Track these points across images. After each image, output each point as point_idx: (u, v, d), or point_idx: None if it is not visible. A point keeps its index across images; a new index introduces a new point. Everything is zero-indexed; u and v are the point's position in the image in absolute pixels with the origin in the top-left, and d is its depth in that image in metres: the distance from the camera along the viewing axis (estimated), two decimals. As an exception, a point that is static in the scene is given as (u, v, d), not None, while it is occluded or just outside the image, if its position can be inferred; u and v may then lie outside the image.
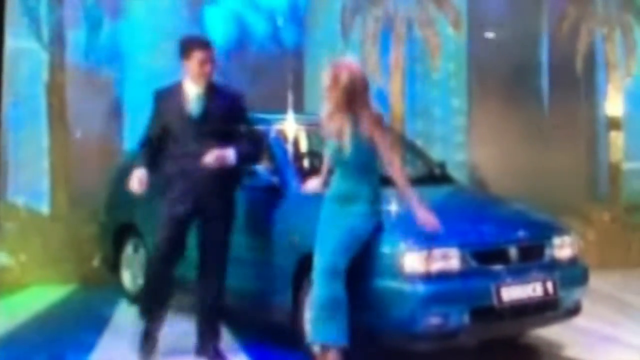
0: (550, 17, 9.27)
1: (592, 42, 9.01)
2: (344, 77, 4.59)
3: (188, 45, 4.90)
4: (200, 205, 4.89)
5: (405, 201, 4.66)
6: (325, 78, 4.67)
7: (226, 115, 4.89)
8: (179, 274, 6.23)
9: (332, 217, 4.66)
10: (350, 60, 4.83)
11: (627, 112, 8.96)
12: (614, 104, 9.01)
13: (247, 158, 4.98)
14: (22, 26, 7.96)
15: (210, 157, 4.76)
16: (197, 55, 4.82)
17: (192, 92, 4.88)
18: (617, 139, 9.00)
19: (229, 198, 5.01)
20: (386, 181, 4.71)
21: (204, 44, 4.91)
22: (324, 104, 4.73)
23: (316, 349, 4.65)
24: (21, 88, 8.05)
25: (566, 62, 9.03)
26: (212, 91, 4.90)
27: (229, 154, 4.81)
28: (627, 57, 8.92)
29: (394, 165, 4.63)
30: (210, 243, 4.98)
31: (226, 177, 4.89)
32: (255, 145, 5.02)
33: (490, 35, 9.02)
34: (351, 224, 4.61)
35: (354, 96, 4.60)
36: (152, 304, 5.09)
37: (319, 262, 4.58)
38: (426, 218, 4.57)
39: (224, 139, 4.84)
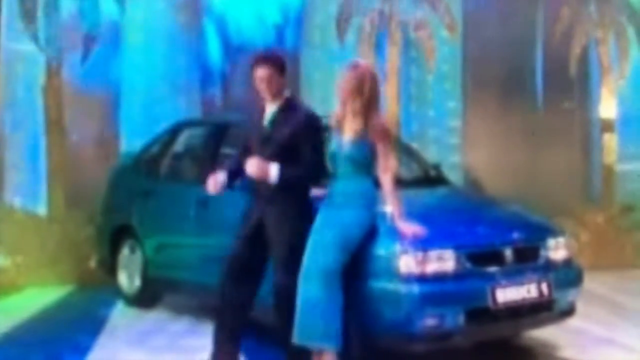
0: (545, 20, 9.30)
1: (586, 45, 9.04)
2: (369, 81, 4.65)
3: (252, 62, 4.82)
4: (264, 218, 4.78)
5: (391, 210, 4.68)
6: (348, 80, 4.67)
7: (291, 133, 4.71)
8: (174, 276, 6.31)
9: (327, 218, 4.67)
10: (369, 64, 4.88)
11: (620, 114, 8.99)
12: (607, 106, 9.04)
13: (292, 178, 4.71)
14: (19, 28, 7.97)
15: (250, 167, 4.66)
16: (255, 72, 4.75)
17: (267, 108, 4.82)
18: (610, 140, 9.03)
19: (291, 208, 4.77)
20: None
21: (261, 61, 4.78)
22: (341, 105, 4.74)
23: (314, 349, 4.66)
24: (18, 90, 8.07)
25: (560, 65, 9.07)
26: (286, 108, 4.79)
27: (272, 170, 4.65)
28: (620, 60, 8.95)
29: (387, 174, 4.65)
30: (273, 252, 4.80)
31: (287, 190, 4.73)
32: (306, 168, 4.72)
33: (485, 37, 9.04)
34: (345, 225, 4.62)
35: (373, 100, 4.67)
36: (225, 327, 4.89)
37: (312, 263, 4.58)
38: (405, 228, 4.61)
39: (286, 157, 4.69)
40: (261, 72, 4.74)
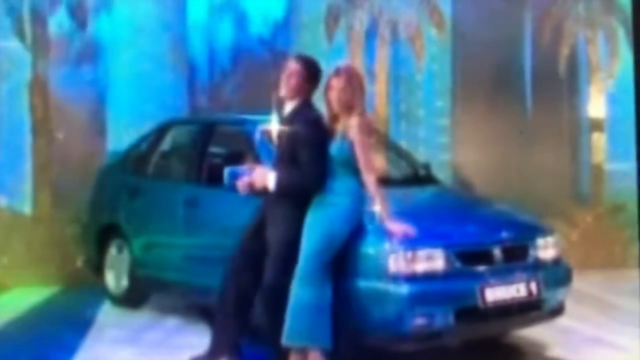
0: (534, 19, 9.30)
1: (574, 44, 9.06)
2: (354, 82, 4.70)
3: (287, 60, 4.94)
4: (266, 218, 4.84)
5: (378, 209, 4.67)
6: (333, 84, 4.70)
7: (291, 139, 4.75)
8: (161, 276, 6.27)
9: (314, 217, 4.67)
10: (351, 65, 4.92)
11: (609, 114, 9.01)
12: (596, 106, 9.06)
13: (290, 186, 4.74)
14: (4, 26, 7.91)
15: (255, 174, 4.79)
16: (288, 66, 4.82)
17: (286, 107, 4.87)
18: (599, 140, 9.06)
19: (288, 211, 4.77)
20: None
21: (299, 58, 4.91)
22: (328, 108, 4.76)
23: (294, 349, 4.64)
24: (3, 87, 8.00)
25: (549, 64, 9.07)
26: (296, 112, 4.81)
27: (269, 177, 4.71)
28: (610, 59, 8.97)
29: (368, 174, 4.63)
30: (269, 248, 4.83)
31: (286, 194, 4.77)
32: (303, 175, 4.70)
33: (474, 36, 9.04)
34: (330, 223, 4.61)
35: (357, 100, 4.68)
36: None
37: (299, 263, 4.59)
38: (395, 228, 4.60)
39: (288, 161, 4.75)
40: (292, 66, 4.81)
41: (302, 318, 4.53)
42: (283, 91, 4.83)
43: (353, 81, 4.73)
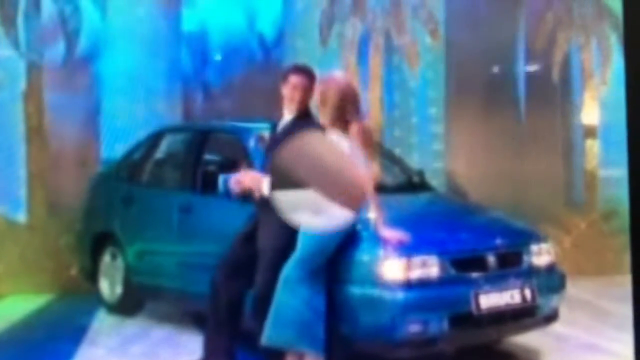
0: (528, 26, 9.34)
1: (568, 51, 9.09)
2: (332, 94, 4.66)
3: (287, 70, 4.95)
4: (258, 223, 4.85)
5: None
6: (315, 94, 4.73)
7: None
8: (156, 283, 6.27)
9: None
10: (338, 75, 4.90)
11: (602, 120, 9.04)
12: (589, 112, 9.09)
13: None
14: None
15: (245, 177, 4.80)
16: (292, 79, 4.82)
17: (284, 118, 4.88)
18: (593, 146, 9.08)
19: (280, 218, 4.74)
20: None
21: (301, 70, 4.91)
22: (320, 117, 4.77)
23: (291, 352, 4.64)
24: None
25: (543, 71, 9.10)
26: (299, 120, 4.82)
27: (264, 182, 4.71)
28: (602, 66, 9.00)
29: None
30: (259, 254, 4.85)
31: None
32: None
33: (468, 44, 9.06)
34: (318, 234, 4.58)
35: (344, 110, 4.65)
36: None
37: (287, 268, 4.58)
38: (389, 235, 4.60)
39: None
40: (297, 80, 4.82)
41: (288, 321, 4.51)
42: (291, 107, 4.83)
43: (345, 89, 4.71)
